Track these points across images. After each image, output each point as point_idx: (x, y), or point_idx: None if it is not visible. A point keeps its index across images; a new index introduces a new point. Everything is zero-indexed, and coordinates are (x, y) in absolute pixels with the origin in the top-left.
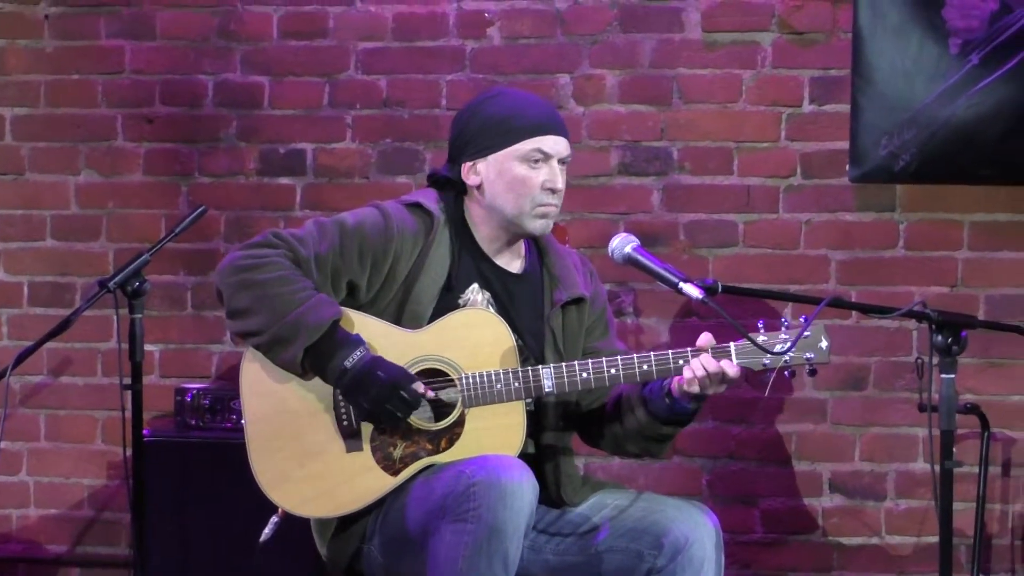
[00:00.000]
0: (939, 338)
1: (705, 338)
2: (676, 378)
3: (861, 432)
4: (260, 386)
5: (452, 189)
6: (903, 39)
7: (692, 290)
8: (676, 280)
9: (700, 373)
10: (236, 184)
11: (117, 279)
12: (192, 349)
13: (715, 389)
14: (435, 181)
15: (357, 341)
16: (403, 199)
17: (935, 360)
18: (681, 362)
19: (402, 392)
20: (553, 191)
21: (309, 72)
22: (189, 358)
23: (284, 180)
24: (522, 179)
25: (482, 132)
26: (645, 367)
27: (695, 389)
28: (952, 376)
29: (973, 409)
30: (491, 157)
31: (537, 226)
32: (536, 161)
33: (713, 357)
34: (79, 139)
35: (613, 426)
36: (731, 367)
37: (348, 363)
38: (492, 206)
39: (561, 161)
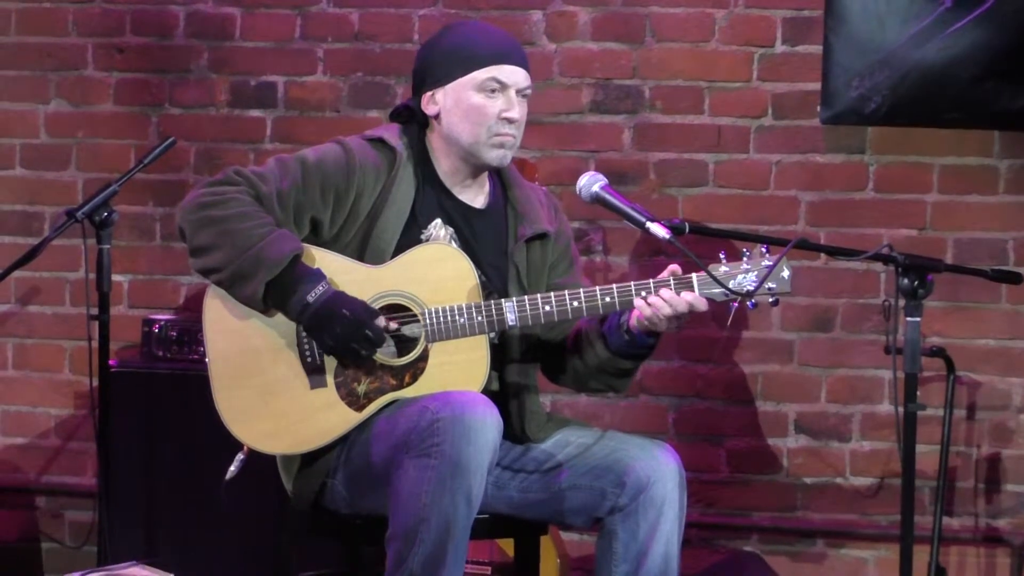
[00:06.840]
0: (905, 281)
1: (672, 269)
2: (634, 312)
3: (827, 373)
4: (223, 323)
5: (415, 123)
6: None
7: (659, 230)
8: (643, 219)
9: (659, 305)
10: (206, 116)
11: (85, 209)
12: (160, 280)
13: (670, 325)
14: (398, 115)
15: (319, 275)
16: (366, 134)
17: (901, 303)
18: (645, 294)
19: (367, 330)
20: (510, 121)
21: (281, 4)
22: (157, 289)
23: (255, 112)
24: (478, 108)
25: (441, 61)
26: (608, 299)
27: (655, 322)
28: (917, 319)
29: (939, 352)
30: (449, 86)
31: (493, 156)
32: (493, 91)
33: (676, 290)
34: (49, 68)
35: (574, 362)
36: (697, 299)
37: (310, 297)
38: (449, 136)
39: (521, 93)
